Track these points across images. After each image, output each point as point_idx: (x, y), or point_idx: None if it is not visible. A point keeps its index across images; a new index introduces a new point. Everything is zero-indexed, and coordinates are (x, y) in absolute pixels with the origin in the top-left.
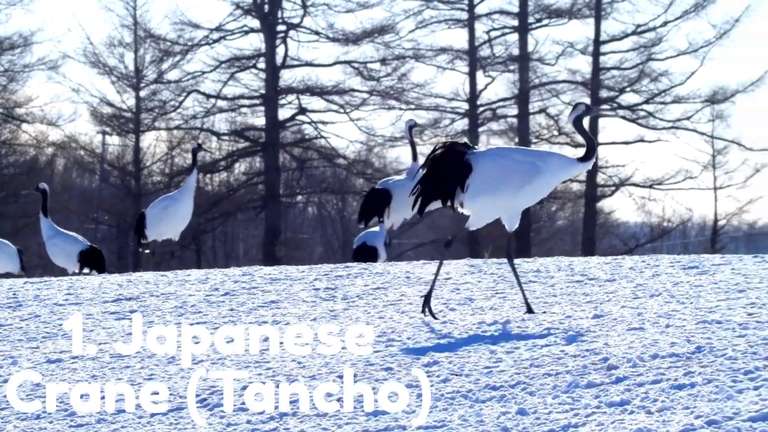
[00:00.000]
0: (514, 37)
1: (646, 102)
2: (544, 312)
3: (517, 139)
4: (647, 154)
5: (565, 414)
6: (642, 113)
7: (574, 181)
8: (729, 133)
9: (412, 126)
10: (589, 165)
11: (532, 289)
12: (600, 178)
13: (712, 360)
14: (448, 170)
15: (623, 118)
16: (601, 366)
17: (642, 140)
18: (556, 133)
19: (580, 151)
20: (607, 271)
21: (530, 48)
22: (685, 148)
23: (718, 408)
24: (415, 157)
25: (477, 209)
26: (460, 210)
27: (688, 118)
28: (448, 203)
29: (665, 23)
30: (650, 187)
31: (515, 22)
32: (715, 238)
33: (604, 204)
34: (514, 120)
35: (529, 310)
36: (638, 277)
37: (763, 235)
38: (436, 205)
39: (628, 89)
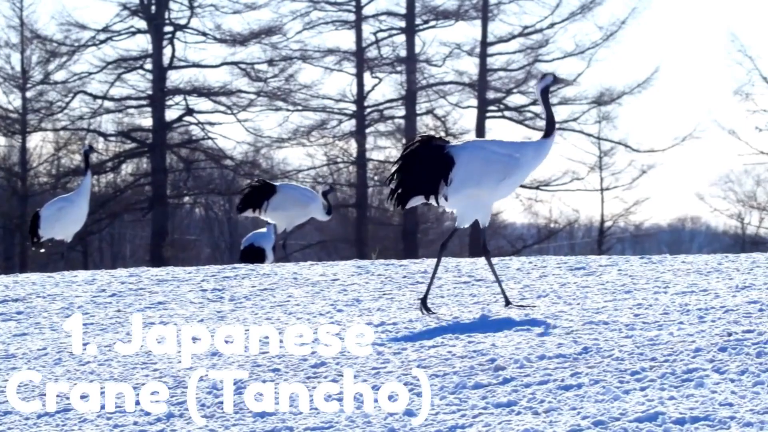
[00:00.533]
0: (402, 38)
1: (533, 103)
2: (434, 313)
3: (404, 140)
4: None
5: (452, 415)
6: (529, 114)
7: None
8: (615, 135)
9: (326, 192)
10: (553, 139)
11: (420, 290)
12: None
13: (599, 361)
14: (429, 163)
15: (510, 119)
16: (488, 367)
17: None
18: (443, 133)
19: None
20: None
21: (417, 49)
22: (571, 150)
23: (605, 408)
24: (329, 212)
25: (461, 202)
26: (443, 204)
27: (574, 120)
28: (432, 197)
29: (552, 25)
30: (537, 188)
31: (402, 24)
32: (601, 240)
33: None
34: (402, 121)
35: (507, 302)
36: (525, 278)
37: (649, 236)
38: (419, 200)
39: (515, 90)
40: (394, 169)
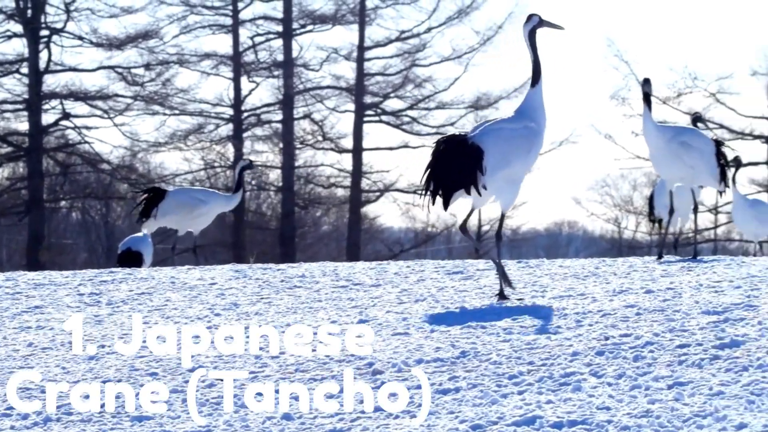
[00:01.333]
0: (279, 42)
1: (411, 108)
2: (314, 317)
3: (281, 144)
4: (412, 160)
5: (330, 419)
6: (406, 119)
7: (339, 186)
8: None
9: (244, 167)
10: (542, 86)
11: (297, 294)
12: (365, 183)
13: (476, 365)
14: (461, 159)
15: (387, 123)
16: (366, 371)
17: (406, 146)
18: (320, 138)
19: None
20: (372, 276)
21: (294, 54)
22: None
23: (482, 413)
24: (237, 189)
25: (499, 186)
26: (483, 193)
27: (452, 124)
28: (472, 189)
29: (429, 29)
30: (415, 192)
31: (279, 28)
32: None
33: (369, 209)
34: (279, 125)
35: (501, 296)
36: (403, 282)
37: (526, 240)
38: (459, 194)
39: (392, 95)
40: (428, 173)
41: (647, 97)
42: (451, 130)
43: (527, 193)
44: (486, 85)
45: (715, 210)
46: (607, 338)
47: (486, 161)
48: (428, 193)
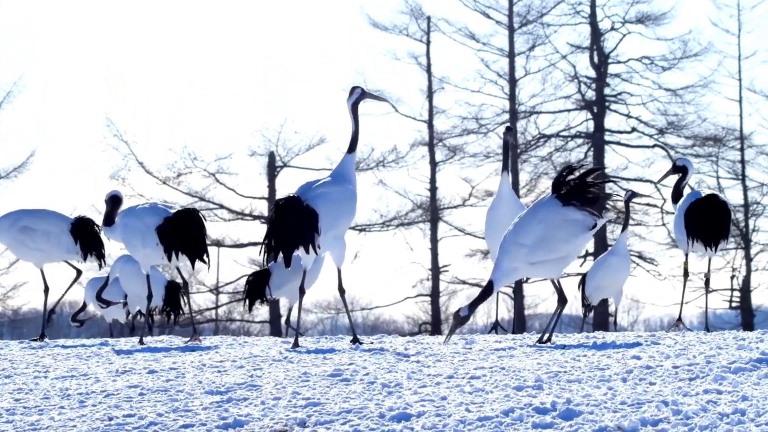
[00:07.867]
0: None
1: None
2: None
3: None
4: None
5: None
6: None
7: None
8: None
9: None
10: (356, 153)
11: None
12: None
13: None
14: (299, 219)
15: None
16: None
17: None
18: None
19: None
20: None
21: None
22: None
23: None
24: None
25: (329, 243)
26: (319, 250)
27: None
28: (310, 248)
29: None
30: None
31: None
32: None
33: None
34: None
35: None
36: None
37: (27, 320)
38: (299, 252)
39: None
40: (268, 231)
41: None
42: None
43: (27, 273)
44: None
45: (216, 290)
46: (111, 419)
47: (321, 222)
48: (270, 249)
